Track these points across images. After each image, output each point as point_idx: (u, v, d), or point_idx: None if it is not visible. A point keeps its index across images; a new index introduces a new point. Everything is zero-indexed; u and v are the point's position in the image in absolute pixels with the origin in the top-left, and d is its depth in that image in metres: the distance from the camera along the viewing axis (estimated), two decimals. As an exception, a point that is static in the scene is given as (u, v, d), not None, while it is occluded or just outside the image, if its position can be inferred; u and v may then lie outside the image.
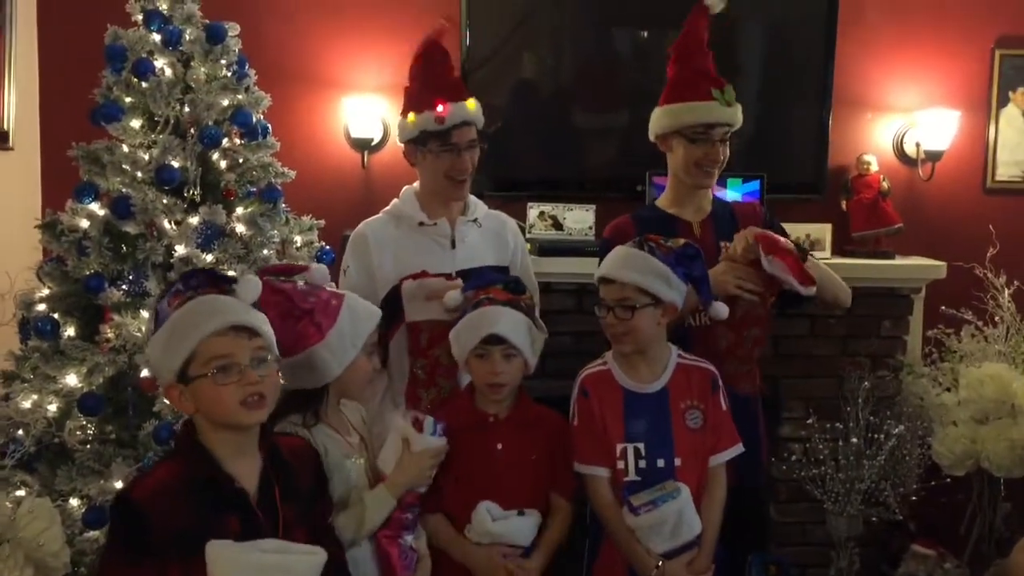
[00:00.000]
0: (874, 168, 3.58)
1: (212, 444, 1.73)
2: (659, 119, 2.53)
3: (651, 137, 2.58)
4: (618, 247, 2.26)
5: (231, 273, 2.31)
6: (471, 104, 2.49)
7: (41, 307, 2.59)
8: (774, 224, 2.59)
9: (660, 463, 2.21)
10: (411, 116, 2.48)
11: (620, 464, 2.20)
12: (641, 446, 2.19)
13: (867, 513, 3.28)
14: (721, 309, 2.24)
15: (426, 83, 2.48)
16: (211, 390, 1.69)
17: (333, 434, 2.07)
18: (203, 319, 1.70)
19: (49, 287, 2.62)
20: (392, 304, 2.44)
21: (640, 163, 2.68)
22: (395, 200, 2.60)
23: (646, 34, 3.70)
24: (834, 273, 2.56)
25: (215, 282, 1.80)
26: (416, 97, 2.49)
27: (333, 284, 2.21)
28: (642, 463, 2.19)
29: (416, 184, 2.59)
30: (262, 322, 1.77)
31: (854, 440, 3.23)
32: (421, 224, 2.51)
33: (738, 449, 2.29)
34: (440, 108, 2.43)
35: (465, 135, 2.48)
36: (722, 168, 2.52)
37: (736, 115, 2.47)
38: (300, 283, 2.11)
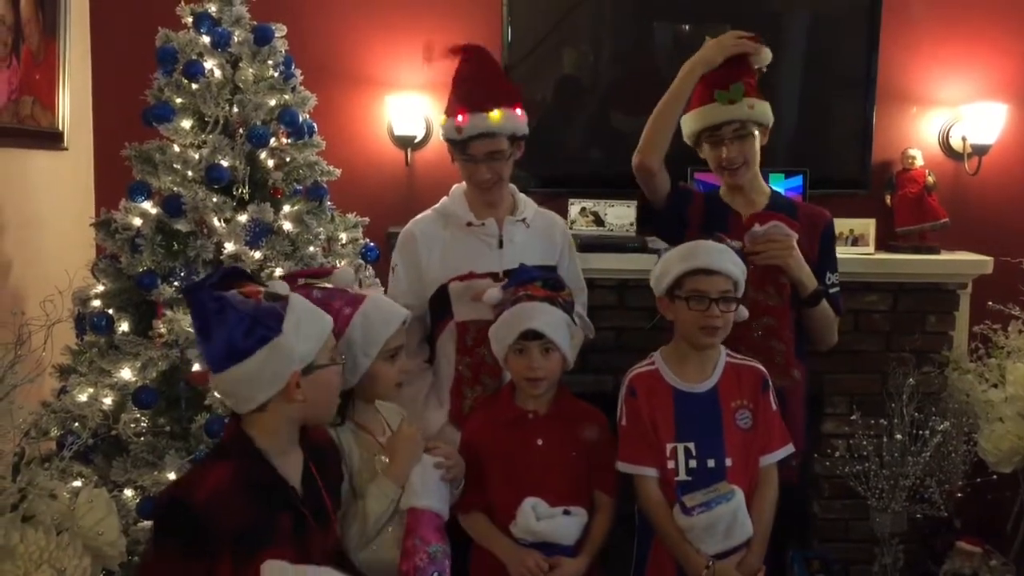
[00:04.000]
0: (919, 162, 3.55)
1: (263, 444, 1.78)
2: (683, 129, 2.59)
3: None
4: (702, 242, 2.27)
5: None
6: (494, 117, 2.44)
7: (96, 303, 2.66)
8: (833, 241, 2.62)
9: (711, 463, 2.21)
10: (443, 119, 2.54)
11: (671, 464, 2.19)
12: (692, 446, 2.19)
13: (912, 510, 3.26)
14: (742, 311, 2.26)
15: (458, 90, 2.52)
16: (333, 379, 1.82)
17: (361, 433, 2.10)
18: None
19: (103, 284, 2.69)
20: (440, 303, 2.47)
21: (681, 158, 2.69)
22: (444, 198, 2.63)
23: (687, 28, 3.69)
24: (833, 321, 2.61)
25: (245, 278, 1.89)
26: (450, 102, 2.53)
27: (357, 286, 2.23)
28: (692, 463, 2.19)
29: (465, 183, 2.62)
30: None
31: (898, 436, 3.21)
32: (469, 224, 2.53)
33: (789, 449, 2.29)
34: (459, 118, 2.45)
35: (483, 147, 2.46)
36: (753, 162, 2.53)
37: (740, 110, 2.47)
38: (317, 290, 2.12)
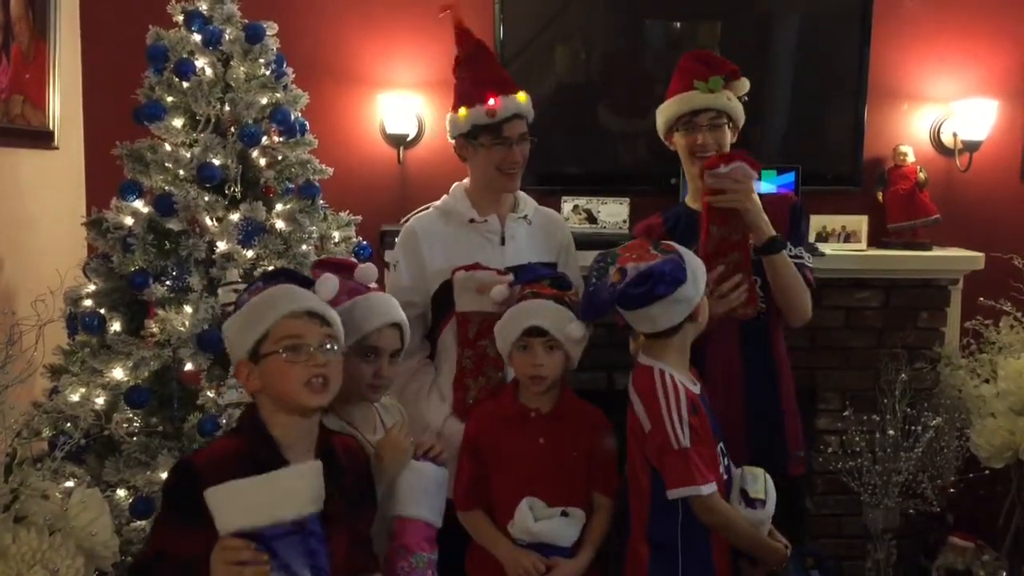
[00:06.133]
0: (910, 159, 3.56)
1: (274, 428, 1.80)
2: (657, 121, 2.58)
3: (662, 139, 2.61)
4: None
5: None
6: (522, 97, 2.51)
7: (88, 303, 2.65)
8: (801, 217, 2.59)
9: (728, 457, 2.21)
10: (462, 110, 2.50)
11: (720, 469, 2.16)
12: (722, 445, 2.19)
13: (904, 505, 3.28)
14: None
15: (476, 77, 2.50)
16: (279, 367, 1.78)
17: (346, 428, 2.08)
18: (281, 301, 1.82)
19: (95, 283, 2.68)
20: (443, 300, 2.47)
21: (673, 156, 2.69)
22: (445, 196, 2.62)
23: (679, 26, 3.69)
24: (800, 280, 2.46)
25: (294, 280, 1.93)
26: (467, 91, 2.51)
27: (376, 284, 2.23)
28: (725, 460, 2.18)
29: (466, 180, 2.61)
30: (333, 315, 1.88)
31: (891, 432, 3.23)
32: (471, 221, 2.53)
33: None
34: (491, 101, 2.45)
35: (516, 128, 2.49)
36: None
37: (720, 100, 2.45)
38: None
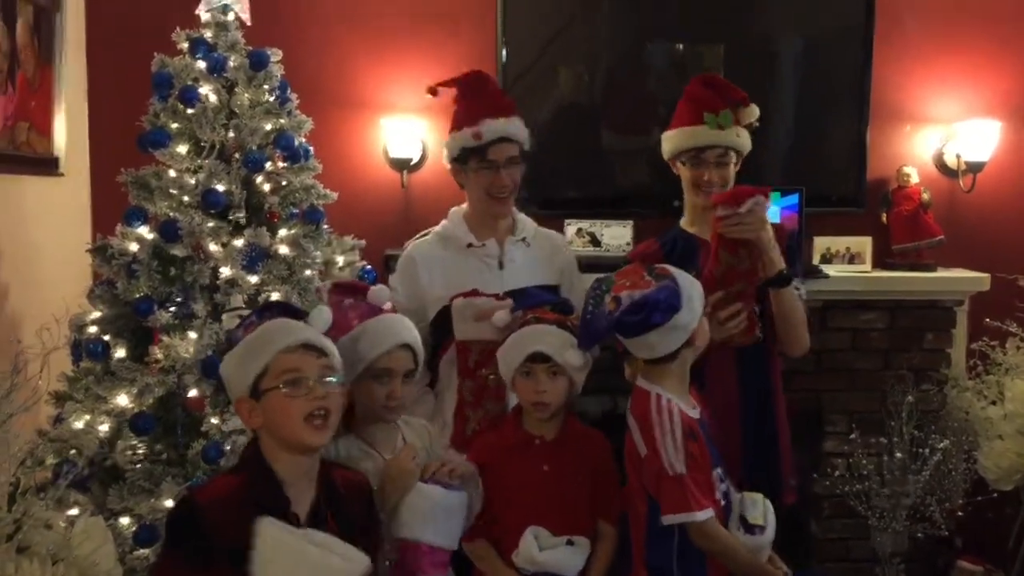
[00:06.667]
0: (914, 180, 3.56)
1: (276, 464, 1.79)
2: (663, 145, 2.58)
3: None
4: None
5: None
6: (511, 121, 2.52)
7: (92, 329, 2.64)
8: (799, 243, 2.59)
9: (728, 482, 2.20)
10: (453, 135, 2.53)
11: (718, 495, 2.15)
12: (720, 470, 2.18)
13: (912, 529, 3.26)
14: None
15: (467, 101, 2.53)
16: (280, 403, 1.78)
17: (364, 447, 2.10)
18: (277, 336, 1.83)
19: (100, 310, 2.68)
20: (442, 325, 2.46)
21: (676, 178, 2.69)
22: (444, 221, 2.63)
23: (681, 47, 3.71)
24: (803, 314, 2.49)
25: (288, 312, 1.93)
26: (458, 115, 2.55)
27: (390, 305, 2.24)
28: (723, 486, 2.17)
29: (465, 205, 2.62)
30: (330, 345, 1.88)
31: (898, 455, 3.22)
32: (469, 246, 2.53)
33: None
34: (477, 125, 2.46)
35: (503, 151, 2.49)
36: (728, 187, 2.50)
37: (728, 137, 2.46)
38: (349, 299, 2.19)
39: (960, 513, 3.32)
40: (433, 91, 2.61)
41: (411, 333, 2.16)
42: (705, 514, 2.05)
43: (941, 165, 3.69)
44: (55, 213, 3.30)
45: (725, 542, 2.09)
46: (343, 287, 2.28)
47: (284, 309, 1.96)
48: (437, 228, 2.63)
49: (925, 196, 3.53)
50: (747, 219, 2.28)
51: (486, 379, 2.37)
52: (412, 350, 2.15)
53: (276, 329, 1.84)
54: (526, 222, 2.65)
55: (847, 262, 3.51)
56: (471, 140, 2.46)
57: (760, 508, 2.13)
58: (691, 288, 2.12)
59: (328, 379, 1.82)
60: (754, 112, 2.51)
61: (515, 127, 2.51)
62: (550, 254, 2.65)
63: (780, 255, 2.37)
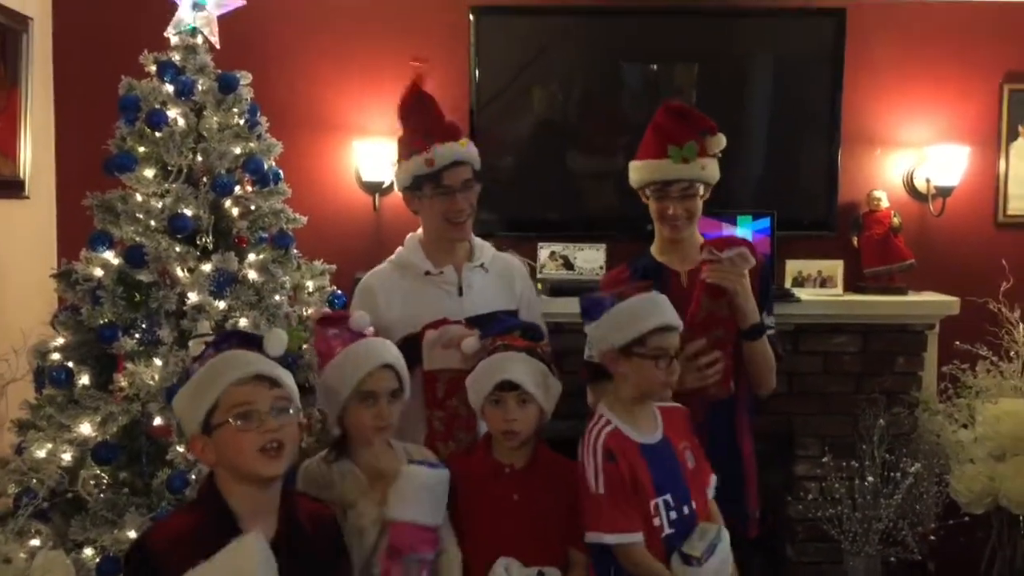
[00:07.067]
0: (884, 204, 3.58)
1: (232, 499, 1.76)
2: (630, 175, 2.57)
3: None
4: (658, 296, 2.22)
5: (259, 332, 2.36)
6: (463, 143, 2.47)
7: (56, 356, 2.60)
8: (771, 283, 2.60)
9: (686, 510, 2.18)
10: (402, 163, 2.49)
11: (656, 521, 2.13)
12: (669, 497, 2.16)
13: (885, 553, 3.26)
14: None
15: (414, 128, 2.49)
16: (232, 437, 1.74)
17: (358, 473, 2.10)
18: (226, 369, 1.78)
19: (64, 336, 2.63)
20: (404, 355, 2.43)
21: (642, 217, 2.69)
22: (399, 248, 2.59)
23: (655, 68, 3.73)
24: (773, 361, 2.50)
25: (244, 342, 1.89)
26: (406, 143, 2.50)
27: (372, 330, 2.23)
28: (673, 514, 2.14)
29: (420, 231, 2.59)
30: (284, 374, 1.84)
31: (870, 479, 3.21)
32: (427, 273, 2.51)
33: (713, 477, 2.29)
34: (429, 151, 2.42)
35: (457, 175, 2.46)
36: (695, 218, 2.51)
37: (693, 171, 2.44)
38: (332, 329, 2.20)
39: (932, 537, 3.32)
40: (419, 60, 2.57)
41: (392, 353, 2.17)
42: (618, 537, 2.08)
43: (911, 189, 3.72)
44: (20, 237, 3.26)
45: (648, 569, 2.10)
46: (329, 319, 2.28)
47: (241, 338, 1.92)
48: (392, 256, 2.59)
49: (895, 220, 3.55)
50: (727, 267, 2.31)
51: (456, 409, 2.34)
52: (395, 370, 2.16)
53: (225, 362, 1.80)
54: (483, 247, 2.62)
55: (819, 285, 3.52)
56: (424, 167, 2.43)
57: (706, 540, 2.11)
58: (627, 317, 2.15)
59: (282, 409, 1.78)
60: (721, 141, 2.50)
61: (467, 149, 2.48)
62: (508, 278, 2.63)
63: (755, 307, 2.38)
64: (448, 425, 2.35)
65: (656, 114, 2.54)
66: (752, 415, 2.57)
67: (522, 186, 3.64)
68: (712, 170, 2.49)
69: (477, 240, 2.62)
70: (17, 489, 2.43)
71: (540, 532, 2.17)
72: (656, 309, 2.18)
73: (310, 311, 2.87)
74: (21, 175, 3.27)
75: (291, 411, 1.80)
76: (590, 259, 3.50)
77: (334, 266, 3.03)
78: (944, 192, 3.64)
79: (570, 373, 2.79)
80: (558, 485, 2.22)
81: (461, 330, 2.33)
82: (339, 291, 3.01)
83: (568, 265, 3.51)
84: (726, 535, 2.15)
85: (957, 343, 3.39)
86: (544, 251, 3.50)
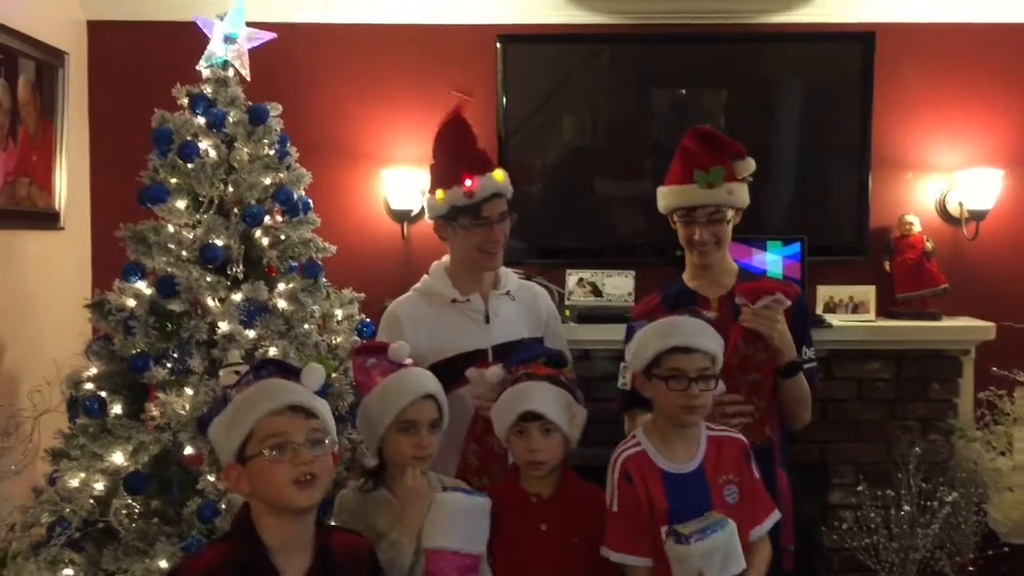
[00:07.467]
0: (916, 228, 3.54)
1: (265, 531, 1.75)
2: (658, 200, 2.56)
3: None
4: (679, 318, 2.20)
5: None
6: (499, 175, 2.48)
7: (89, 386, 2.63)
8: (806, 316, 2.57)
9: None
10: (439, 192, 2.47)
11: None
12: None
13: (923, 584, 3.19)
14: (720, 386, 2.21)
15: (452, 158, 2.48)
16: (265, 468, 1.73)
17: (394, 502, 2.10)
18: (262, 399, 1.78)
19: (97, 366, 2.66)
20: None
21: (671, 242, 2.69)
22: (425, 277, 2.60)
23: (684, 92, 3.73)
24: (807, 397, 2.49)
25: (282, 370, 1.89)
26: (443, 173, 2.49)
27: (411, 360, 2.23)
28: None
29: (446, 259, 2.58)
30: (321, 405, 1.83)
31: (907, 508, 3.15)
32: (454, 301, 2.51)
33: (776, 516, 2.24)
34: (468, 183, 2.42)
35: (496, 207, 2.47)
36: (723, 243, 2.50)
37: (719, 196, 2.43)
38: (372, 359, 2.20)
39: (971, 568, 3.25)
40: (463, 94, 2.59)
41: (433, 383, 2.18)
42: (623, 558, 2.10)
43: (944, 213, 3.68)
44: (55, 267, 3.31)
45: None
46: (365, 348, 2.30)
47: (279, 366, 1.92)
48: (418, 285, 2.60)
49: (928, 244, 3.51)
50: (761, 313, 2.31)
51: (492, 445, 2.31)
52: (435, 400, 2.16)
53: (261, 392, 1.80)
54: (509, 275, 2.62)
55: (851, 311, 3.48)
56: (463, 199, 2.43)
57: (703, 524, 2.05)
58: (644, 340, 2.17)
59: (316, 441, 1.77)
60: (750, 165, 2.49)
61: (505, 182, 2.49)
62: (534, 306, 2.62)
63: (791, 345, 2.38)
64: (482, 460, 2.33)
65: (683, 139, 2.53)
66: (788, 447, 2.55)
67: (550, 213, 3.65)
68: (740, 195, 2.48)
69: (503, 268, 2.62)
70: (51, 519, 2.45)
71: (568, 561, 2.15)
72: (674, 330, 2.16)
73: (339, 339, 2.89)
74: (57, 207, 3.32)
75: (326, 442, 1.80)
76: (619, 285, 3.49)
77: (363, 294, 3.04)
78: (978, 216, 3.59)
79: (598, 400, 2.79)
80: (586, 513, 2.19)
81: (492, 383, 2.29)
82: (368, 319, 3.02)
83: (596, 292, 3.50)
84: (732, 529, 2.07)
85: (994, 369, 3.34)
86: (572, 278, 3.49)
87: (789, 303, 2.35)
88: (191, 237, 2.66)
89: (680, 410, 2.13)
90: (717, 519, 2.08)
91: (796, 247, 3.41)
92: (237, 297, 2.62)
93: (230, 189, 2.72)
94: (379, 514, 2.09)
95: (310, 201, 2.93)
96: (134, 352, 2.56)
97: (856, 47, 3.59)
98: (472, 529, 2.06)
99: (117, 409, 2.59)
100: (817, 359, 2.53)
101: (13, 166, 3.05)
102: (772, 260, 3.39)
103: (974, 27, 3.67)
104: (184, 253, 2.65)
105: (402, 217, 3.58)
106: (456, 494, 2.07)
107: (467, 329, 2.48)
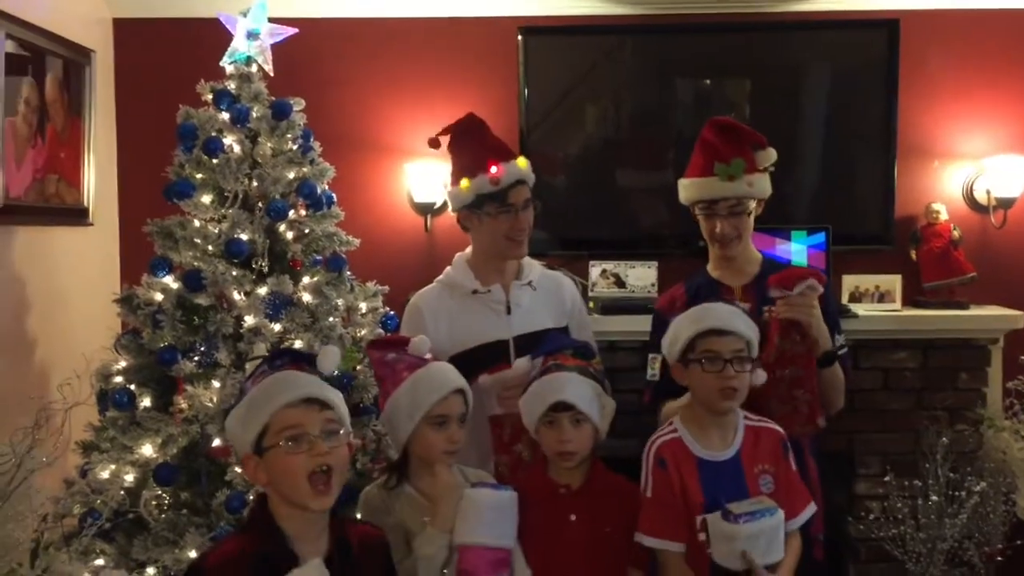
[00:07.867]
0: (943, 216, 3.51)
1: (283, 521, 1.77)
2: (679, 192, 2.56)
3: None
4: (711, 304, 2.22)
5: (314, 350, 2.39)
6: (522, 162, 2.49)
7: (118, 379, 2.67)
8: (831, 302, 2.55)
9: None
10: (464, 182, 2.47)
11: (702, 536, 2.11)
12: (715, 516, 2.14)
13: (951, 574, 3.17)
14: (759, 375, 2.21)
15: (474, 148, 2.49)
16: (282, 460, 1.75)
17: (418, 498, 2.10)
18: (277, 392, 1.79)
19: (126, 359, 2.70)
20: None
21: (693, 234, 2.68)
22: (447, 268, 2.60)
23: (708, 83, 3.71)
24: (842, 383, 2.50)
25: (297, 360, 1.90)
26: (466, 163, 2.50)
27: (431, 355, 2.24)
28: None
29: (468, 250, 2.59)
30: (335, 396, 1.84)
31: (934, 498, 3.13)
32: (475, 292, 2.51)
33: (812, 509, 2.23)
34: (494, 169, 2.43)
35: (521, 194, 2.48)
36: (745, 235, 2.49)
37: (739, 188, 2.42)
38: (392, 353, 2.21)
39: (1000, 557, 3.22)
40: (435, 143, 2.59)
41: (459, 378, 2.18)
42: (657, 542, 2.11)
43: (971, 201, 3.64)
44: (85, 262, 3.35)
45: None
46: (380, 343, 2.30)
47: (293, 356, 1.93)
48: (440, 276, 2.60)
49: (955, 233, 3.48)
50: (797, 301, 2.30)
51: (520, 454, 2.30)
52: (463, 393, 2.18)
53: (276, 384, 1.81)
54: (532, 265, 2.61)
55: (876, 301, 3.46)
56: (488, 186, 2.43)
57: (755, 507, 2.05)
58: (677, 327, 2.19)
59: (331, 432, 1.79)
60: (771, 156, 2.48)
61: (527, 170, 2.50)
62: (558, 296, 2.62)
63: (827, 334, 2.37)
64: (513, 470, 2.30)
65: (703, 131, 2.52)
66: (817, 436, 2.54)
67: (573, 205, 3.65)
68: (761, 186, 2.47)
69: (526, 258, 2.62)
70: (82, 510, 2.49)
71: (598, 554, 2.15)
72: (707, 315, 2.17)
73: (363, 332, 2.91)
74: (85, 203, 3.37)
75: (341, 433, 1.81)
76: (642, 276, 3.48)
77: (387, 287, 3.06)
78: (1005, 203, 3.56)
79: (624, 391, 2.79)
80: (615, 504, 2.20)
81: (518, 375, 2.30)
82: (392, 312, 3.04)
83: (620, 283, 3.49)
84: (780, 518, 2.07)
85: (1023, 358, 3.30)
86: (596, 269, 3.49)
87: (822, 289, 2.34)
88: (217, 232, 2.69)
89: (717, 393, 2.13)
90: (768, 505, 2.08)
91: (821, 236, 3.39)
92: (262, 291, 2.65)
93: (254, 184, 2.75)
94: (405, 511, 2.09)
95: (333, 195, 2.95)
96: (162, 346, 2.59)
97: (881, 34, 3.55)
98: (501, 523, 2.06)
99: (146, 402, 2.63)
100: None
101: (42, 163, 3.09)
102: (797, 250, 3.37)
103: (999, 13, 3.63)
104: (210, 247, 2.68)
105: (425, 210, 3.60)
106: (484, 490, 2.08)
107: (488, 320, 2.48)
